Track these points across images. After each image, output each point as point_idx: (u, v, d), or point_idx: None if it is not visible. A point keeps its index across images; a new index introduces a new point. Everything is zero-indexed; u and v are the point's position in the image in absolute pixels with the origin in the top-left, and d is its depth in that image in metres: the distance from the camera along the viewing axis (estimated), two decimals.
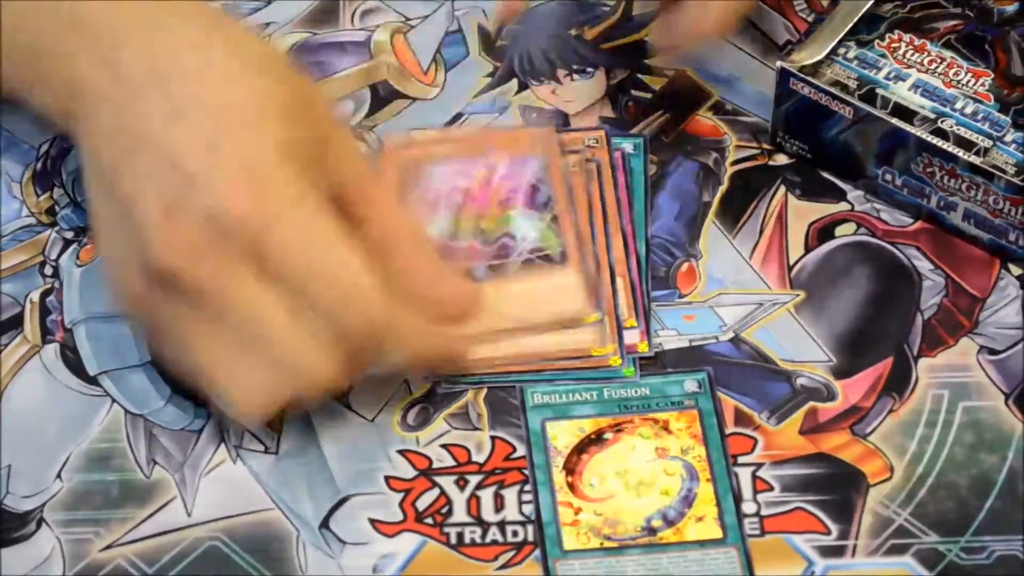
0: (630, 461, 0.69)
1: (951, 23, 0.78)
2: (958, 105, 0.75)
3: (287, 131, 0.64)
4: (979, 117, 0.74)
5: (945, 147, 0.73)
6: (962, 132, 0.73)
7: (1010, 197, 0.72)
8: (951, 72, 0.76)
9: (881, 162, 0.76)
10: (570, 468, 0.69)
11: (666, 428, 0.70)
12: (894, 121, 0.74)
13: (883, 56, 0.77)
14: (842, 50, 0.77)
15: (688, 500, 0.68)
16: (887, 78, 0.76)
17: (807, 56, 0.76)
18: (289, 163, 0.63)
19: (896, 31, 0.78)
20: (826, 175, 0.79)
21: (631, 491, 0.68)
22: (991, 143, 0.73)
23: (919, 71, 0.76)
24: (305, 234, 0.63)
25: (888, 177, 0.76)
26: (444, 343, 0.69)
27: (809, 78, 0.75)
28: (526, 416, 0.70)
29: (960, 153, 0.73)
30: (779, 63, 0.76)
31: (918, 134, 0.73)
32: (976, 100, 0.75)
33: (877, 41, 0.77)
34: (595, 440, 0.70)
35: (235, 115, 0.64)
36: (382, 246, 0.67)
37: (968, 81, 0.76)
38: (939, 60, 0.76)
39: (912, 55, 0.77)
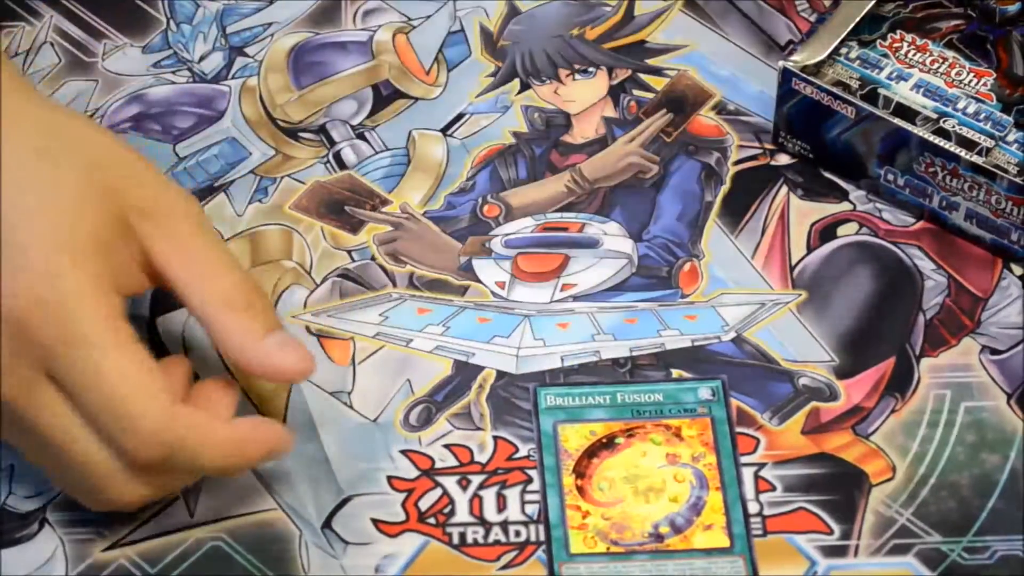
0: (640, 466, 0.69)
1: (953, 23, 0.78)
2: (960, 105, 0.75)
3: (85, 226, 0.61)
4: (981, 117, 0.74)
5: (947, 147, 0.73)
6: (964, 132, 0.73)
7: (1012, 197, 0.72)
8: (953, 72, 0.76)
9: (883, 162, 0.76)
10: (580, 471, 0.69)
11: (678, 435, 0.70)
12: (896, 121, 0.74)
13: (885, 56, 0.76)
14: (844, 50, 0.77)
15: (697, 508, 0.67)
16: (889, 78, 0.76)
17: (809, 56, 0.76)
18: (87, 262, 0.60)
19: (898, 31, 0.78)
20: (828, 175, 0.79)
21: (640, 497, 0.68)
22: (993, 143, 0.73)
23: (921, 71, 0.76)
24: (87, 358, 0.59)
25: (890, 177, 0.76)
26: (250, 450, 0.64)
27: (811, 78, 0.75)
28: (538, 418, 0.70)
29: (962, 153, 0.73)
30: (781, 63, 0.76)
31: (920, 134, 0.73)
32: (978, 100, 0.75)
33: (879, 41, 0.77)
34: (606, 444, 0.70)
35: (25, 216, 0.60)
36: (198, 312, 0.64)
37: (970, 81, 0.76)
38: (941, 60, 0.76)
39: (914, 55, 0.77)
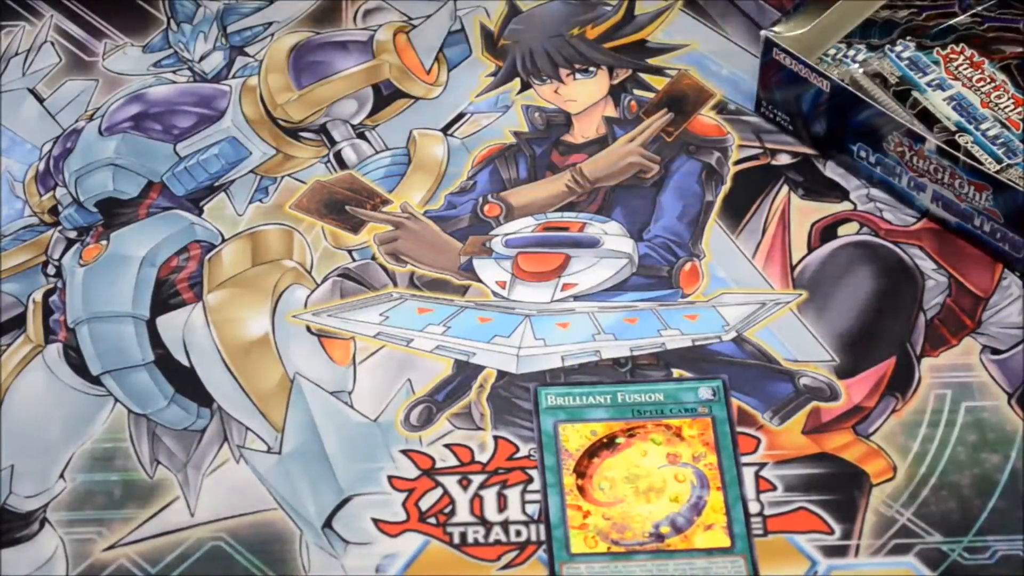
0: (641, 466, 0.69)
1: (1020, 50, 0.79)
2: (984, 126, 0.75)
3: None
4: (998, 141, 0.74)
5: (912, 126, 0.73)
6: (974, 150, 0.74)
7: (975, 182, 0.72)
8: (994, 94, 0.76)
9: (856, 138, 0.76)
10: (580, 471, 0.69)
11: (679, 435, 0.70)
12: (863, 96, 0.74)
13: (936, 63, 0.77)
14: (899, 48, 0.77)
15: (698, 508, 0.67)
16: (929, 84, 0.76)
17: (793, 28, 0.76)
18: None
19: (961, 44, 0.78)
20: (829, 175, 0.79)
21: (641, 497, 0.68)
22: (997, 167, 0.73)
23: (964, 85, 0.76)
24: None
25: (863, 154, 0.76)
26: None
27: (790, 49, 0.75)
28: (539, 418, 0.70)
29: (927, 134, 0.73)
30: (763, 32, 0.76)
31: (884, 110, 0.73)
32: (1004, 125, 0.75)
33: (938, 49, 0.77)
34: (607, 444, 0.69)
35: None
36: None
37: (1007, 106, 0.76)
38: (989, 80, 0.76)
39: (965, 69, 0.77)
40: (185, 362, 0.73)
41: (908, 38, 0.78)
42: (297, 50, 0.85)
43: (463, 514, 0.68)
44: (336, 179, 0.80)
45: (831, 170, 0.79)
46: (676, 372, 0.72)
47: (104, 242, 0.78)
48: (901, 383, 0.72)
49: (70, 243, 0.78)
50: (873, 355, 0.73)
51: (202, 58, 0.85)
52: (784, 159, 0.80)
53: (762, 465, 0.69)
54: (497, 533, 0.67)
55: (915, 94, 0.75)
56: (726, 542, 0.66)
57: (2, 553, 0.68)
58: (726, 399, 0.71)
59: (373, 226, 0.78)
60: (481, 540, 0.67)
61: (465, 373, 0.72)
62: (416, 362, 0.73)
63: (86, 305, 0.75)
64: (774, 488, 0.68)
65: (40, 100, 0.84)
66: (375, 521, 0.68)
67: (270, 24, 0.86)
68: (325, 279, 0.76)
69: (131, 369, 0.73)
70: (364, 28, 0.86)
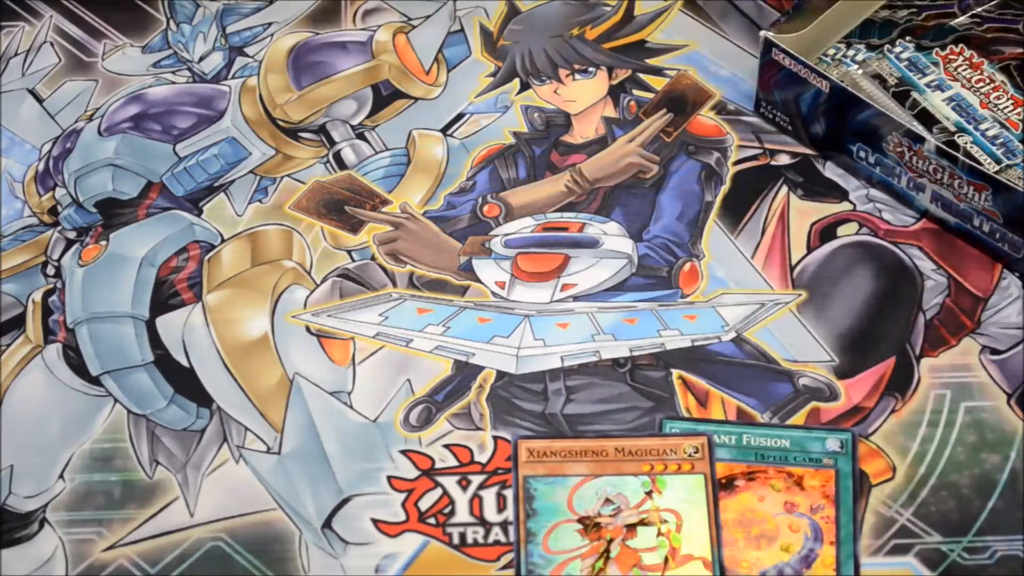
0: (756, 511, 0.68)
1: (1019, 51, 0.79)
2: (983, 126, 0.75)
3: None
4: (997, 141, 0.74)
5: (912, 126, 0.73)
6: (973, 150, 0.74)
7: (974, 183, 0.72)
8: (993, 95, 0.76)
9: (856, 138, 0.76)
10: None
11: (799, 483, 0.68)
12: (863, 98, 0.74)
13: (935, 64, 0.77)
14: (898, 48, 0.77)
15: (808, 560, 0.66)
16: (929, 85, 0.76)
17: (792, 28, 0.76)
18: None
19: (960, 44, 0.78)
20: (829, 175, 0.79)
21: (751, 542, 0.67)
22: (996, 167, 0.73)
23: (963, 86, 0.76)
24: None
25: (862, 154, 0.76)
26: None
27: (789, 50, 0.75)
28: None
29: (926, 135, 0.73)
30: (762, 32, 0.76)
31: (886, 112, 0.73)
32: (1003, 126, 0.75)
33: (936, 50, 0.77)
34: (725, 485, 0.69)
35: None
36: None
37: (1006, 106, 0.76)
38: (988, 81, 0.76)
39: (964, 70, 0.77)
40: (185, 362, 0.73)
41: (907, 38, 0.78)
42: (296, 50, 0.85)
43: (463, 514, 0.68)
44: (335, 179, 0.80)
45: (830, 170, 0.79)
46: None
47: (103, 242, 0.78)
48: (900, 383, 0.72)
49: (69, 243, 0.78)
50: (872, 355, 0.73)
51: (201, 58, 0.85)
52: (783, 159, 0.80)
53: None
54: (496, 533, 0.67)
55: (914, 95, 0.75)
56: None
57: (2, 553, 0.68)
58: (853, 453, 0.70)
59: (372, 226, 0.78)
60: (480, 540, 0.67)
61: (464, 373, 0.73)
62: (415, 362, 0.73)
63: (85, 305, 0.75)
64: None
65: (40, 100, 0.84)
66: (374, 521, 0.68)
67: (269, 24, 0.86)
68: (324, 279, 0.76)
69: (130, 369, 0.73)
70: (363, 28, 0.86)
